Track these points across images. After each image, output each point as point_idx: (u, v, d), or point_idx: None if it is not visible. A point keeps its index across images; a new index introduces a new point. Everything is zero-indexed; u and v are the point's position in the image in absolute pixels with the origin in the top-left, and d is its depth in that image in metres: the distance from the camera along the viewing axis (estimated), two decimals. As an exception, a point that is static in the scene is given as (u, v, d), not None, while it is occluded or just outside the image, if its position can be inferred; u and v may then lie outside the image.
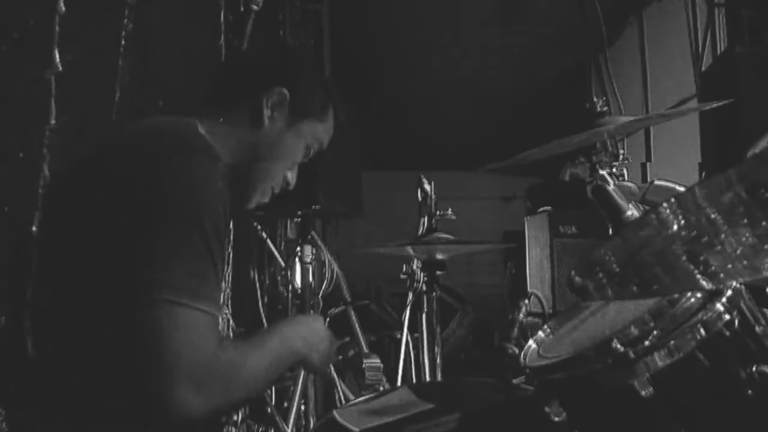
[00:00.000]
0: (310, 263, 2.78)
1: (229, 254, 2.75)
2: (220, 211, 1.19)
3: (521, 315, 1.48)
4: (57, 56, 1.92)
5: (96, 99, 2.18)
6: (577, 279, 1.04)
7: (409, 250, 2.33)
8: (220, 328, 1.32)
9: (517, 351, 1.33)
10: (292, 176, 1.51)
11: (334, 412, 1.48)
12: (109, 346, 1.16)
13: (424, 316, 2.36)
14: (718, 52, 3.51)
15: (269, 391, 2.58)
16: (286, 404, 2.64)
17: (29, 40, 1.92)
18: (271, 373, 1.28)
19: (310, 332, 1.40)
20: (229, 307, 2.70)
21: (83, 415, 1.19)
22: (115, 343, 1.15)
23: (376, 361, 1.51)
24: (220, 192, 1.21)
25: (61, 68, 1.92)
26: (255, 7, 2.28)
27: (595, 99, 1.90)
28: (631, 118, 1.82)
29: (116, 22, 2.28)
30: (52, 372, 1.23)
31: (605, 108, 1.88)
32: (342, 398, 2.77)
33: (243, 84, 1.43)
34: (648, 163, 4.04)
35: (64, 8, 1.93)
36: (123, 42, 2.27)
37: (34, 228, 1.64)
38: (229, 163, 1.34)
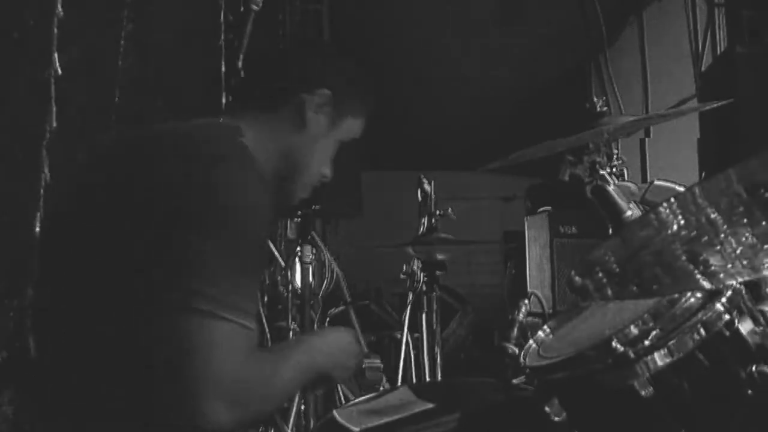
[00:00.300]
0: (310, 263, 2.78)
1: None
2: (263, 221, 1.20)
3: (521, 315, 1.48)
4: (56, 58, 1.92)
5: (95, 99, 2.18)
6: (577, 279, 1.04)
7: (409, 250, 2.33)
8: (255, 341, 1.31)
9: (517, 351, 1.33)
10: (329, 170, 1.49)
11: (334, 412, 1.48)
12: (141, 356, 1.14)
13: (424, 316, 2.37)
14: (718, 52, 3.51)
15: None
16: (285, 404, 2.64)
17: (29, 40, 1.92)
18: (295, 387, 1.30)
19: (337, 349, 1.38)
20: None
21: (100, 420, 1.18)
22: (148, 353, 1.13)
23: (376, 362, 1.51)
24: (263, 202, 1.20)
25: (60, 70, 1.92)
26: (255, 7, 2.27)
27: (595, 99, 1.90)
28: (631, 118, 1.82)
29: (116, 22, 2.28)
30: (76, 379, 1.20)
31: (605, 108, 1.89)
32: (342, 398, 2.77)
33: (287, 87, 1.42)
34: (647, 139, 4.05)
35: (62, 12, 1.93)
36: (122, 42, 2.27)
37: (40, 229, 1.63)
38: (274, 165, 1.36)
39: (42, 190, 1.80)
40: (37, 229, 1.75)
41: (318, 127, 1.41)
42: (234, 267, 1.13)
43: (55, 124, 1.90)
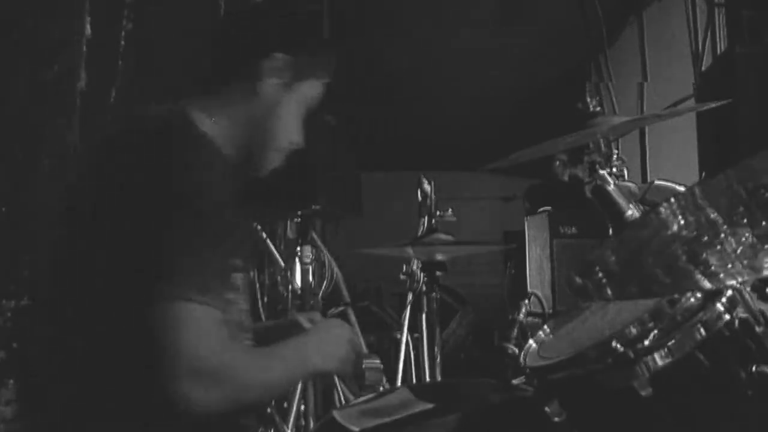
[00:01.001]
0: (310, 264, 2.78)
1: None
2: (219, 198, 1.18)
3: (521, 315, 1.48)
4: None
5: (94, 99, 2.18)
6: (577, 279, 1.04)
7: (409, 250, 2.33)
8: (237, 321, 1.29)
9: (517, 351, 1.32)
10: (299, 136, 1.46)
11: (334, 413, 1.48)
12: (115, 342, 1.16)
13: (424, 316, 2.36)
14: (718, 52, 3.51)
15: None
16: (285, 404, 2.64)
17: (29, 40, 1.92)
18: (282, 383, 1.30)
19: (327, 343, 1.38)
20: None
21: (88, 411, 1.19)
22: (122, 339, 1.15)
23: (376, 362, 1.51)
24: (216, 179, 1.20)
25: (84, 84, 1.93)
26: (254, 5, 2.27)
27: (588, 99, 1.90)
28: (625, 119, 1.82)
29: (115, 22, 2.28)
30: (57, 368, 1.23)
31: (598, 108, 1.89)
32: (342, 399, 2.76)
33: (236, 57, 1.39)
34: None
35: (90, 31, 1.94)
36: (122, 42, 2.27)
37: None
38: (236, 139, 1.35)
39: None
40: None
41: (274, 93, 1.37)
42: (194, 247, 1.14)
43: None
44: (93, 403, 1.19)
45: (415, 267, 2.52)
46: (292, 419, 2.56)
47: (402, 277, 2.58)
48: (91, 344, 1.19)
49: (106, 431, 1.19)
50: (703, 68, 3.61)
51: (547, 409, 1.16)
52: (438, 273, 2.32)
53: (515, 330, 1.44)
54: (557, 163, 3.77)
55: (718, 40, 3.53)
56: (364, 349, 1.52)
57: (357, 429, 1.34)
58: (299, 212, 2.84)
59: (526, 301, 1.52)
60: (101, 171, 1.27)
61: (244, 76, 1.36)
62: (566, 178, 3.68)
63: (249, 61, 1.36)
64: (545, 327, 1.35)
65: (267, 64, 1.36)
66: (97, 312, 1.18)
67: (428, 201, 2.38)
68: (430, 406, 1.45)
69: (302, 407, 2.62)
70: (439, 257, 2.30)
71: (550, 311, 2.43)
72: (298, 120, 1.44)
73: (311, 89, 1.43)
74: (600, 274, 1.05)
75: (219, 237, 1.17)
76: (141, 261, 1.13)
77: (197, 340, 1.10)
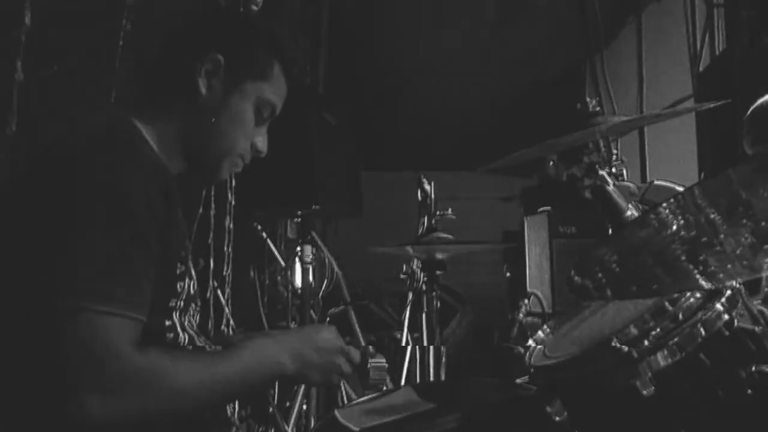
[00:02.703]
0: (311, 263, 2.79)
1: (228, 254, 2.75)
2: (139, 209, 1.15)
3: (521, 315, 1.48)
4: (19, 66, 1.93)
5: (92, 99, 2.18)
6: (577, 279, 1.05)
7: (409, 250, 2.33)
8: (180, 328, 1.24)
9: (522, 350, 1.33)
10: (261, 142, 1.42)
11: (336, 412, 1.48)
12: (15, 353, 1.12)
13: (424, 316, 2.37)
14: (717, 52, 3.51)
15: (272, 391, 2.58)
16: (287, 404, 2.64)
17: (26, 40, 1.93)
18: (236, 384, 1.21)
19: (303, 348, 1.32)
20: (229, 307, 2.70)
21: None
22: (21, 350, 1.11)
23: (381, 361, 1.50)
24: (138, 189, 1.16)
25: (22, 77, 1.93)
26: (255, 8, 2.28)
27: (588, 99, 1.91)
28: (624, 118, 1.83)
29: (114, 23, 2.28)
30: None
31: (598, 108, 1.89)
32: (345, 398, 2.77)
33: (175, 60, 1.36)
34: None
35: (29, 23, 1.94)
36: (121, 42, 2.27)
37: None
38: (179, 146, 1.33)
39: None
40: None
41: (213, 93, 1.34)
42: (108, 256, 1.10)
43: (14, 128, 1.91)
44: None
45: (415, 266, 2.53)
46: (293, 419, 2.57)
47: (402, 276, 2.58)
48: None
49: None
50: (701, 68, 3.62)
51: (548, 408, 1.16)
52: (438, 272, 2.32)
53: (515, 330, 1.44)
54: (550, 163, 3.78)
55: (716, 40, 3.53)
56: (370, 349, 1.51)
57: (357, 429, 1.35)
58: (299, 212, 2.85)
59: (526, 301, 1.52)
60: (26, 174, 1.23)
61: (184, 81, 1.33)
62: (564, 178, 3.68)
63: (185, 64, 1.34)
64: (545, 327, 1.35)
65: (203, 66, 1.33)
66: (8, 326, 1.14)
67: (428, 201, 2.39)
68: (432, 405, 1.46)
69: (304, 406, 2.63)
70: (439, 256, 2.31)
71: (550, 311, 2.44)
72: (247, 124, 1.39)
73: (255, 89, 1.37)
74: (600, 274, 1.05)
75: (134, 249, 1.13)
76: (45, 267, 1.09)
77: (98, 349, 1.05)
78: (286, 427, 2.50)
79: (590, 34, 4.68)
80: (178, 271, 1.27)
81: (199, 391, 1.16)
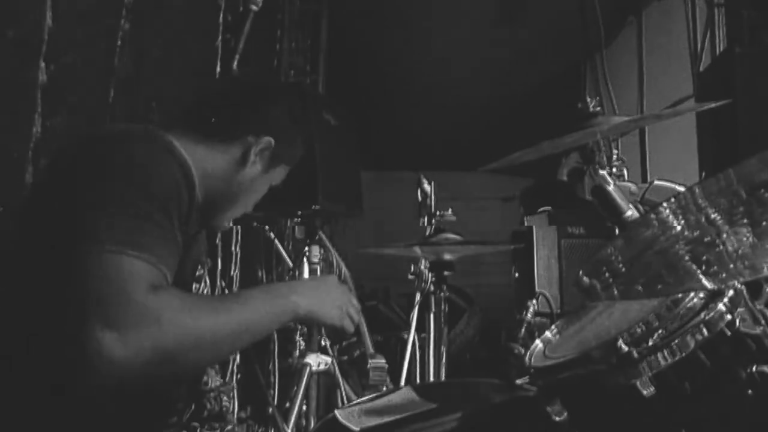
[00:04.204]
0: (318, 264, 2.78)
1: (236, 254, 2.75)
2: (170, 191, 1.21)
3: (529, 315, 1.48)
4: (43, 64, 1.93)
5: (92, 99, 2.18)
6: (585, 279, 1.05)
7: (417, 250, 2.33)
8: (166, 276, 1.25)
9: (522, 351, 1.33)
10: (249, 209, 1.55)
11: (336, 412, 1.48)
12: (36, 291, 1.17)
13: (431, 316, 2.36)
14: (717, 52, 3.51)
15: (272, 392, 2.57)
16: (287, 404, 2.64)
17: (24, 40, 1.93)
18: (248, 325, 1.24)
19: (315, 286, 1.39)
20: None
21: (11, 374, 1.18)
22: (43, 288, 1.16)
23: (380, 362, 1.51)
24: (173, 175, 1.23)
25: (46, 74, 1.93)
26: (254, 8, 2.27)
27: (588, 99, 1.91)
28: (625, 118, 1.82)
29: (113, 22, 2.28)
30: None
31: (597, 108, 1.89)
32: (345, 399, 2.76)
33: (238, 127, 1.45)
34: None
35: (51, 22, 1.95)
36: (119, 42, 2.27)
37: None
38: (207, 187, 1.40)
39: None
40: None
41: (255, 170, 1.46)
42: (137, 215, 1.15)
43: (40, 129, 1.92)
44: (6, 355, 1.18)
45: (423, 267, 2.53)
46: (293, 419, 2.56)
47: (410, 276, 2.58)
48: (13, 293, 1.20)
49: (18, 388, 1.17)
50: (701, 68, 3.61)
51: (548, 408, 1.16)
52: (446, 273, 2.32)
53: (522, 330, 1.44)
54: (564, 161, 3.75)
55: (717, 40, 3.53)
56: (370, 349, 1.52)
57: (357, 429, 1.35)
58: (299, 212, 2.84)
59: (534, 301, 1.52)
60: (63, 164, 1.30)
61: (238, 146, 1.43)
62: (564, 177, 3.68)
63: (246, 133, 1.44)
64: (553, 327, 1.35)
65: (256, 143, 1.44)
66: (24, 261, 1.20)
67: (428, 201, 2.39)
68: (432, 405, 1.46)
69: (304, 407, 2.62)
70: (447, 257, 2.31)
71: (558, 311, 2.44)
72: (260, 196, 1.53)
73: (281, 174, 1.53)
74: (607, 274, 1.05)
75: (159, 219, 1.18)
76: (79, 216, 1.15)
77: (115, 287, 1.09)
78: (286, 427, 2.50)
79: (590, 34, 4.68)
80: (197, 273, 1.30)
81: (216, 329, 1.18)
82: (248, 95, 1.51)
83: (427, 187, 2.42)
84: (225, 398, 1.42)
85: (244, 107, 1.49)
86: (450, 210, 2.41)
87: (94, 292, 1.09)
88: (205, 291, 1.37)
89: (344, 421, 1.41)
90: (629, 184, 2.14)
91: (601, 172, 1.56)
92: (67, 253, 1.13)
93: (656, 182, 1.89)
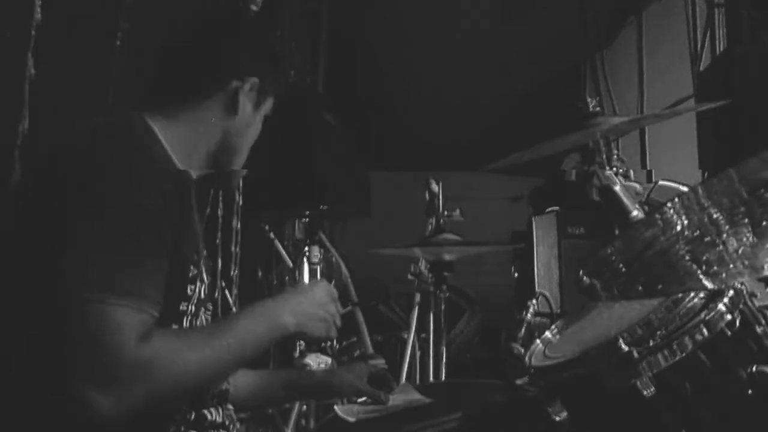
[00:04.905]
0: (318, 264, 2.78)
1: (236, 254, 2.75)
2: (149, 204, 1.17)
3: (529, 315, 1.48)
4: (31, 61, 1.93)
5: (91, 99, 2.18)
6: (586, 279, 1.05)
7: (417, 250, 2.33)
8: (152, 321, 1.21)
9: (523, 351, 1.33)
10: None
11: (336, 408, 1.49)
12: (26, 344, 1.13)
13: (432, 316, 2.36)
14: (717, 52, 3.51)
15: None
16: (287, 405, 2.64)
17: (16, 40, 1.93)
18: (239, 351, 1.22)
19: (302, 302, 1.35)
20: (237, 307, 2.70)
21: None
22: (32, 341, 1.12)
23: (380, 362, 1.51)
24: (149, 184, 1.19)
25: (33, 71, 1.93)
26: (254, 7, 2.27)
27: (588, 99, 1.91)
28: (625, 119, 1.83)
29: (112, 22, 2.28)
30: None
31: (597, 108, 1.89)
32: (344, 399, 2.76)
33: (218, 77, 1.42)
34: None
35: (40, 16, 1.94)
36: (118, 41, 2.27)
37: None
38: (207, 150, 1.39)
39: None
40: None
41: (247, 113, 1.43)
42: (109, 247, 1.11)
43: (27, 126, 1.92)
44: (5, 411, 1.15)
45: (423, 267, 2.52)
46: (292, 420, 2.56)
47: (410, 277, 2.58)
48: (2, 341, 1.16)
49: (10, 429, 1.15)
50: (701, 68, 3.61)
51: (548, 408, 1.16)
52: (446, 273, 2.32)
53: (522, 330, 1.44)
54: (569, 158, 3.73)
55: (717, 40, 3.53)
56: (369, 350, 1.52)
57: (353, 419, 1.36)
58: (307, 212, 2.85)
59: (534, 301, 1.52)
60: (43, 168, 1.27)
61: (223, 95, 1.40)
62: (573, 177, 3.66)
63: (229, 81, 1.40)
64: (553, 327, 1.35)
65: (241, 86, 1.40)
66: (12, 310, 1.16)
67: (436, 201, 2.39)
68: (432, 405, 1.46)
69: (303, 407, 2.62)
70: (447, 257, 2.30)
71: (558, 311, 2.43)
72: (258, 133, 1.50)
73: (269, 105, 1.49)
74: (608, 274, 1.05)
75: (143, 241, 1.14)
76: (55, 259, 1.11)
77: (101, 342, 1.06)
78: (286, 428, 2.50)
79: (590, 34, 4.67)
80: (190, 274, 1.28)
81: (209, 363, 1.18)
82: (218, 41, 1.46)
83: (434, 187, 2.41)
84: (229, 405, 1.41)
85: (217, 54, 1.44)
86: (458, 210, 2.40)
87: (80, 348, 1.06)
88: (202, 289, 1.34)
89: (342, 414, 1.42)
90: (635, 184, 2.14)
91: (608, 171, 1.56)
92: (47, 293, 1.10)
93: (661, 182, 1.89)
